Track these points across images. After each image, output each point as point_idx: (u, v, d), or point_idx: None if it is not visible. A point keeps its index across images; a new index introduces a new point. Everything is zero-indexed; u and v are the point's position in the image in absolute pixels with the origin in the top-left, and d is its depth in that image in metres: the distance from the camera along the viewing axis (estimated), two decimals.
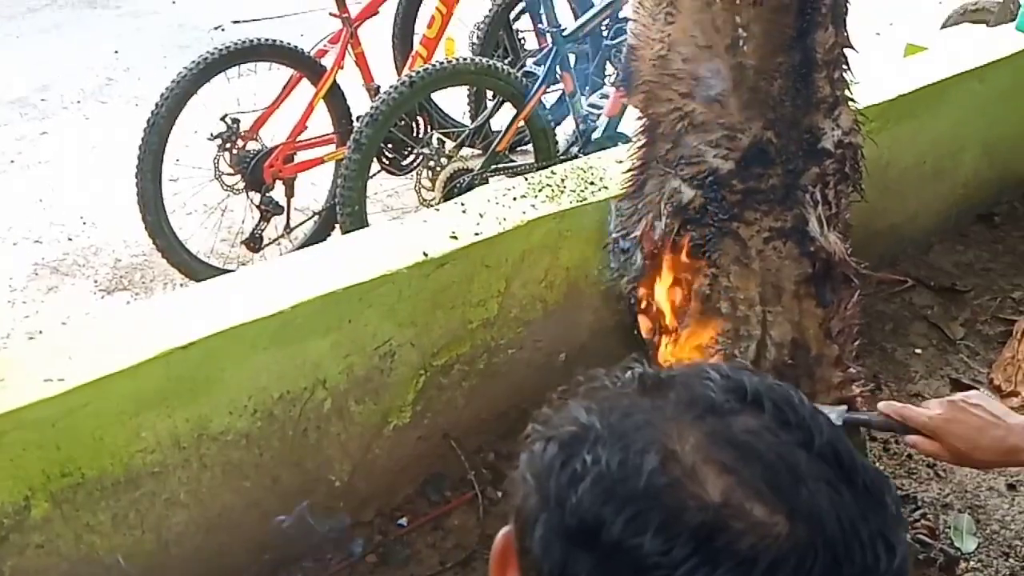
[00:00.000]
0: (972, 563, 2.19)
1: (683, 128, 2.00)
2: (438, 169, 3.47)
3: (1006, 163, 3.62)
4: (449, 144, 3.58)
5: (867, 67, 3.44)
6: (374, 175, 3.58)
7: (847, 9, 1.98)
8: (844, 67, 2.01)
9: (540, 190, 2.37)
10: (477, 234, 2.16)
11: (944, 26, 4.72)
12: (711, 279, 2.05)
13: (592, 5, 3.95)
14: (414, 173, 3.57)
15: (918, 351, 2.92)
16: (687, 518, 0.68)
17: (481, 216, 2.23)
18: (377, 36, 4.12)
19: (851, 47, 2.00)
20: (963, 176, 3.45)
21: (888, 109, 2.96)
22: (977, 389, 2.75)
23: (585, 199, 2.36)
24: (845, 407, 1.76)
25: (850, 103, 2.02)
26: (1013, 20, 3.80)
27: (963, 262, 3.36)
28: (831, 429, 0.75)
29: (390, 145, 3.60)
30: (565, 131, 3.99)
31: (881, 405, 1.64)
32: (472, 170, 3.43)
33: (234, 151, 3.47)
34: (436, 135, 3.58)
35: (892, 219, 3.25)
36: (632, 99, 2.10)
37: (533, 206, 2.30)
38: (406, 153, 3.63)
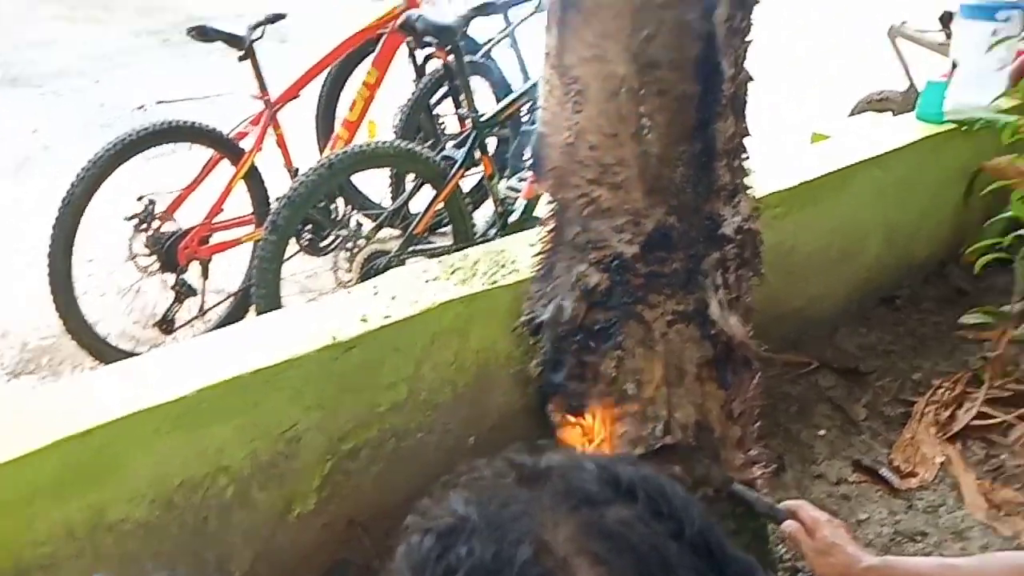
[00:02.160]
0: None
1: (590, 213, 2.04)
2: (356, 251, 3.48)
3: (907, 248, 3.75)
4: (367, 226, 3.60)
5: (774, 155, 3.57)
6: (292, 256, 3.58)
7: (747, 101, 2.06)
8: (743, 156, 2.08)
9: (452, 272, 2.40)
10: (387, 317, 2.17)
11: (851, 114, 4.91)
12: (617, 361, 2.08)
13: (511, 91, 4.04)
14: (332, 255, 3.58)
15: (822, 432, 2.98)
16: None
17: (392, 299, 2.24)
18: (301, 118, 4.16)
19: (750, 136, 2.07)
20: (866, 260, 3.56)
21: (793, 195, 3.06)
22: (878, 471, 2.82)
23: (496, 282, 2.39)
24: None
25: (749, 191, 2.09)
26: (915, 109, 3.98)
27: (866, 344, 3.45)
28: (703, 519, 0.77)
29: (308, 226, 3.61)
30: (485, 214, 4.04)
31: (788, 502, 1.81)
32: (390, 252, 3.45)
33: (149, 232, 3.45)
34: (355, 217, 3.61)
35: (797, 303, 3.34)
36: (542, 184, 2.15)
37: (444, 289, 2.32)
38: (324, 235, 3.65)
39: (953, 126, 3.62)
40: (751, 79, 2.04)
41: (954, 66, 3.89)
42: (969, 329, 3.48)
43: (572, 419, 2.23)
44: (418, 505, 0.80)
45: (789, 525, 1.74)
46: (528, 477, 0.78)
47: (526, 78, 4.16)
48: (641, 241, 2.01)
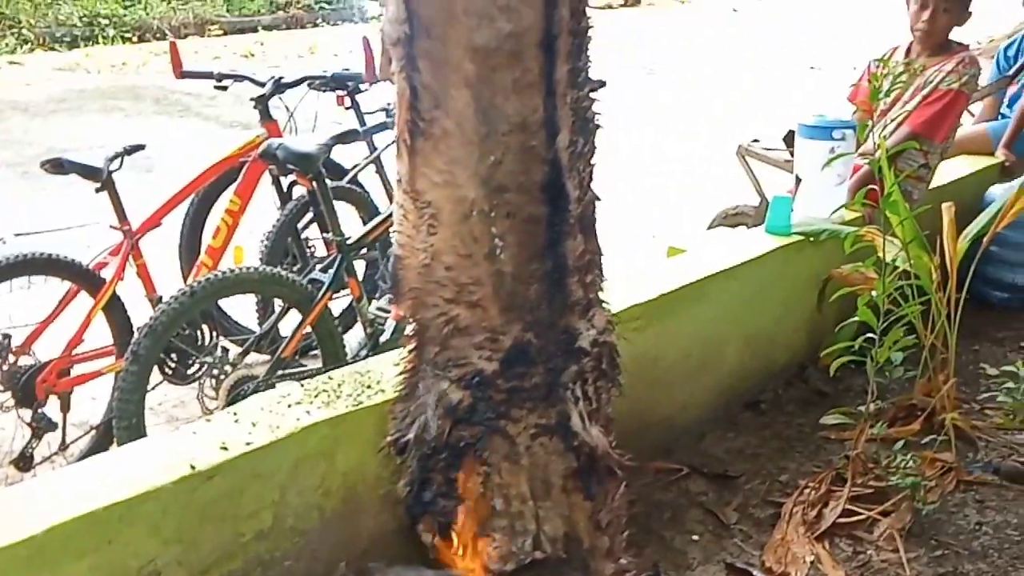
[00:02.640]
0: None
1: (449, 332, 2.08)
2: (222, 377, 3.43)
3: (767, 354, 3.89)
4: (234, 351, 3.56)
5: (632, 270, 3.68)
6: (157, 386, 3.51)
7: (595, 220, 2.15)
8: (596, 272, 2.16)
9: (316, 395, 2.38)
10: (248, 443, 2.14)
11: (709, 228, 5.12)
12: (484, 477, 2.10)
13: (379, 212, 4.10)
14: (198, 382, 3.52)
15: (695, 537, 3.02)
16: None
17: (254, 425, 2.21)
18: (166, 247, 4.13)
19: (601, 254, 2.15)
20: (728, 367, 3.68)
21: (652, 307, 3.16)
22: (750, 572, 2.87)
23: (361, 403, 2.38)
24: None
25: (603, 305, 2.16)
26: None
27: (734, 448, 3.54)
28: None
29: (172, 355, 3.55)
30: (357, 335, 4.04)
31: None
32: (258, 377, 3.41)
33: (4, 367, 3.34)
34: (220, 344, 3.56)
35: (664, 411, 3.42)
36: (401, 306, 2.18)
37: (308, 412, 2.31)
38: (190, 362, 3.59)
39: (801, 238, 3.81)
40: (598, 199, 2.13)
41: (798, 181, 4.12)
42: (830, 429, 3.61)
43: (442, 538, 2.23)
44: None
45: None
46: None
47: (392, 201, 4.23)
48: (500, 357, 2.06)
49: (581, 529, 2.13)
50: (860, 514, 3.13)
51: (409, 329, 2.19)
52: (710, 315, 3.46)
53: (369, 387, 2.46)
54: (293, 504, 2.27)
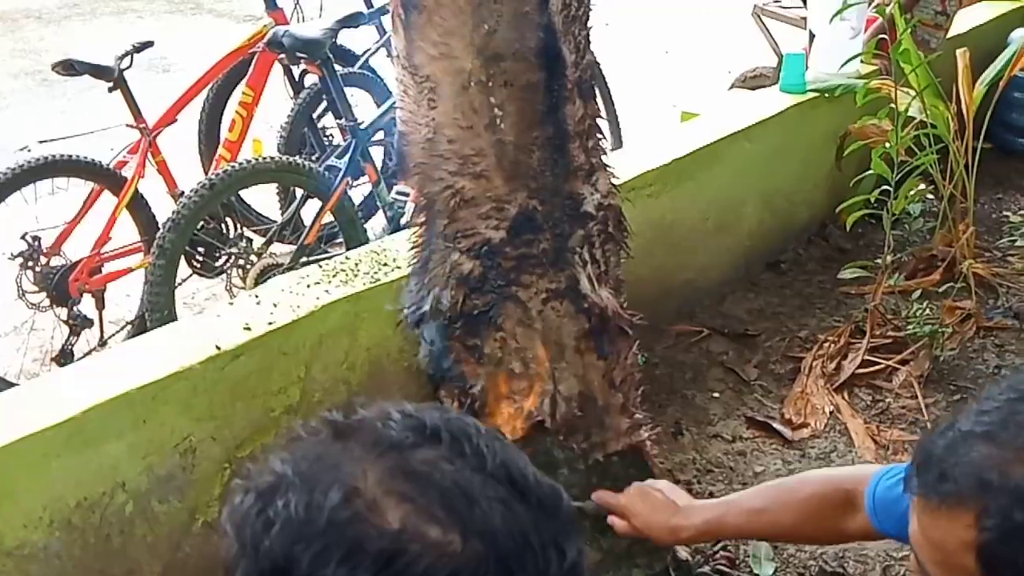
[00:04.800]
0: None
1: (456, 204, 2.11)
2: (248, 267, 3.51)
3: (787, 213, 3.90)
4: (258, 241, 3.63)
5: (645, 135, 3.68)
6: (186, 279, 3.60)
7: (593, 84, 2.15)
8: (597, 137, 2.17)
9: (334, 275, 2.45)
10: (271, 323, 2.22)
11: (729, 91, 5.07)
12: (500, 342, 2.16)
13: (390, 96, 4.10)
14: (226, 274, 3.60)
15: (716, 395, 3.10)
16: (368, 546, 0.77)
17: (275, 306, 2.29)
18: (186, 143, 4.17)
19: (601, 117, 2.17)
20: (747, 228, 3.70)
21: (666, 172, 3.18)
22: (770, 424, 2.94)
23: (379, 280, 2.45)
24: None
25: (606, 169, 2.18)
26: None
27: (755, 308, 3.59)
28: (505, 452, 0.85)
29: (199, 248, 3.63)
30: (381, 222, 4.09)
31: (594, 495, 1.99)
32: (283, 265, 3.48)
33: (37, 268, 3.43)
34: (244, 234, 3.63)
35: (685, 274, 3.46)
36: (407, 182, 2.21)
37: (327, 291, 2.38)
38: (216, 255, 3.66)
39: (816, 95, 3.78)
40: (596, 63, 2.14)
41: (812, 37, 4.06)
42: (851, 284, 3.65)
43: (463, 403, 2.31)
44: (242, 469, 0.87)
45: (612, 519, 1.91)
46: (340, 432, 0.85)
47: None
48: (507, 226, 2.09)
49: (595, 387, 2.19)
50: (879, 364, 3.19)
51: (417, 204, 2.23)
52: (726, 177, 3.46)
53: (385, 264, 2.53)
54: (320, 379, 2.36)
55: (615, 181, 2.21)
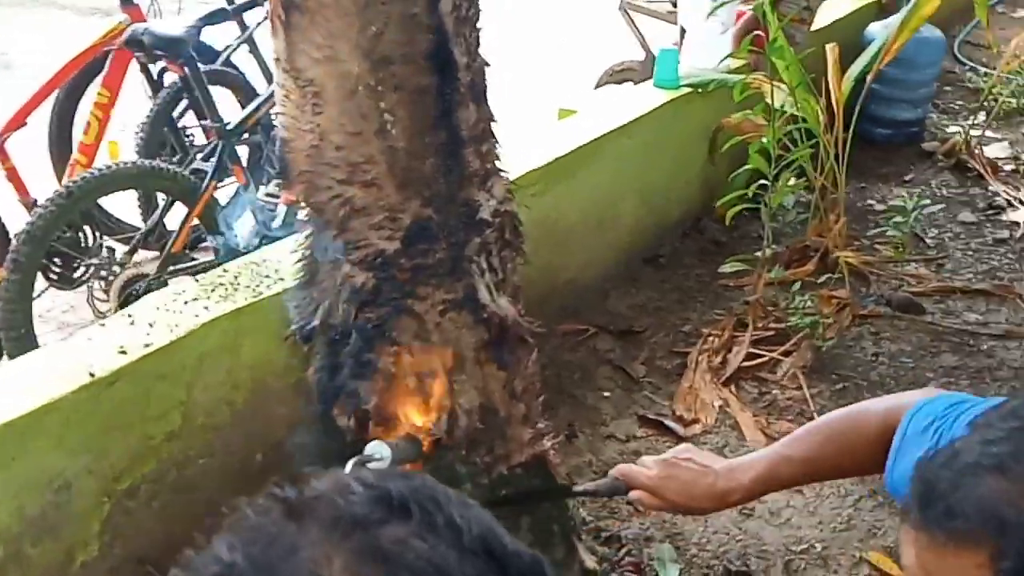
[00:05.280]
0: None
1: (346, 214, 2.01)
2: (111, 278, 3.31)
3: (663, 209, 3.92)
4: (120, 251, 3.43)
5: (525, 135, 3.63)
6: (42, 293, 3.37)
7: (486, 87, 2.08)
8: (492, 140, 2.10)
9: (212, 290, 2.31)
10: (148, 345, 2.08)
11: (596, 87, 5.07)
12: (396, 357, 2.07)
13: (257, 94, 3.94)
14: (86, 286, 3.39)
15: (606, 394, 3.08)
16: None
17: (151, 325, 2.14)
18: (35, 146, 3.92)
19: (495, 121, 2.10)
20: (626, 225, 3.70)
21: (549, 171, 3.14)
22: (663, 422, 2.94)
23: (261, 294, 2.33)
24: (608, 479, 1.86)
25: (501, 174, 2.11)
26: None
27: (637, 304, 3.59)
28: (481, 521, 0.76)
29: (56, 260, 3.40)
30: (248, 224, 3.92)
31: (612, 471, 1.82)
32: (148, 275, 3.30)
33: None
34: (105, 244, 3.43)
35: (568, 273, 3.43)
36: (292, 191, 2.10)
37: (206, 308, 2.24)
38: (75, 266, 3.45)
39: (690, 90, 3.80)
40: (488, 65, 2.06)
41: (683, 33, 4.09)
42: (729, 277, 3.69)
43: (358, 420, 2.21)
44: (181, 558, 0.76)
45: (633, 496, 1.76)
46: (294, 510, 0.74)
47: (271, 82, 4.06)
48: (401, 236, 2.00)
49: (497, 399, 2.13)
50: (763, 356, 3.23)
51: (304, 214, 2.12)
52: (606, 174, 3.45)
53: (267, 276, 2.40)
54: (201, 401, 2.23)
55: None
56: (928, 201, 4.11)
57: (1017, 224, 4.22)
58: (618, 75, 5.08)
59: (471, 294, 2.07)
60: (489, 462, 2.13)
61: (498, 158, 2.14)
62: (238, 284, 2.34)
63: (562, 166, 3.18)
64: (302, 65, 1.94)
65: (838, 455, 1.64)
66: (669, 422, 2.94)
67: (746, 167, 3.43)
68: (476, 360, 2.10)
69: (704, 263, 3.86)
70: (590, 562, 2.24)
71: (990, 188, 4.51)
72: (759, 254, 3.45)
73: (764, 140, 3.27)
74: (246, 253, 3.56)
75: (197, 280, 2.34)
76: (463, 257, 2.06)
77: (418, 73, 1.93)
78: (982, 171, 4.61)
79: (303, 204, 2.10)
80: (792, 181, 3.56)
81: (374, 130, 1.95)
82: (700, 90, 3.79)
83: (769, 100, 3.37)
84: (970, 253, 4.01)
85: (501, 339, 2.11)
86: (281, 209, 3.76)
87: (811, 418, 2.97)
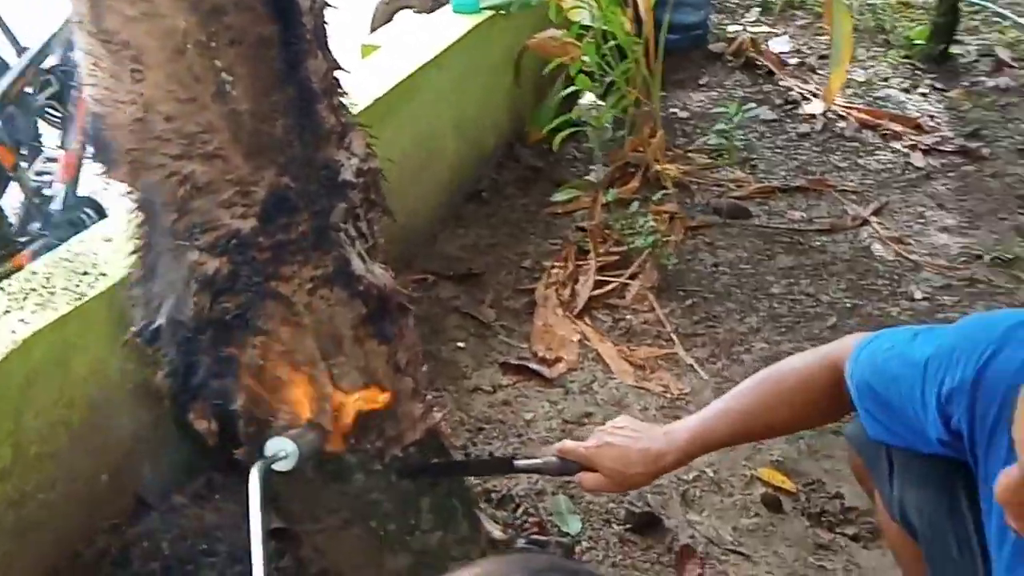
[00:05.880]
0: (584, 542, 2.21)
1: (186, 194, 1.74)
2: None
3: (477, 140, 3.76)
4: None
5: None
6: None
7: (327, 31, 1.84)
8: (341, 92, 1.87)
9: (25, 298, 1.98)
10: None
11: (374, 20, 4.79)
12: (263, 348, 1.83)
13: (8, 66, 3.47)
14: None
15: (460, 344, 2.92)
16: None
17: None
18: None
19: (342, 69, 1.86)
20: (447, 161, 3.51)
21: (372, 112, 2.90)
22: (527, 366, 2.82)
23: (84, 295, 2.02)
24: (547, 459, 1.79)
25: (360, 127, 1.89)
26: (438, 5, 3.94)
27: (468, 244, 3.43)
28: None
29: None
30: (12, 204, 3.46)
31: (557, 448, 1.74)
32: None
33: None
34: None
35: (399, 219, 3.21)
36: (115, 173, 1.79)
37: (23, 320, 1.91)
38: None
39: (491, 13, 3.62)
40: (327, 5, 1.82)
41: None
42: (556, 205, 3.58)
43: (221, 424, 1.96)
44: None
45: (578, 476, 1.69)
46: None
47: (20, 50, 3.55)
48: (257, 211, 1.75)
49: (382, 376, 1.93)
50: (610, 283, 3.15)
51: (131, 199, 1.82)
52: (424, 110, 3.25)
53: (85, 274, 2.09)
54: (34, 427, 1.92)
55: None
56: (754, 105, 4.14)
57: (814, 116, 4.32)
58: (394, 3, 4.83)
59: (343, 266, 1.85)
60: (381, 446, 1.94)
61: (349, 112, 1.91)
62: (54, 287, 2.01)
63: (382, 106, 2.96)
64: (113, 26, 1.64)
65: (777, 407, 1.57)
66: (533, 365, 2.82)
67: (569, 90, 3.31)
68: (355, 338, 1.89)
69: (527, 193, 3.73)
70: (497, 532, 2.11)
71: (781, 83, 4.59)
72: (589, 178, 3.36)
73: (586, 59, 3.15)
74: (27, 243, 3.18)
75: (3, 289, 2.00)
76: (329, 226, 1.84)
77: (257, 22, 1.67)
78: (772, 68, 4.69)
79: (131, 187, 1.81)
80: (615, 98, 3.47)
81: (211, 93, 1.68)
82: (503, 12, 3.62)
83: (576, 17, 3.25)
84: (778, 151, 4.08)
85: (381, 311, 1.91)
86: (58, 188, 3.35)
87: (669, 340, 2.94)
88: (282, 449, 1.71)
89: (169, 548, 2.04)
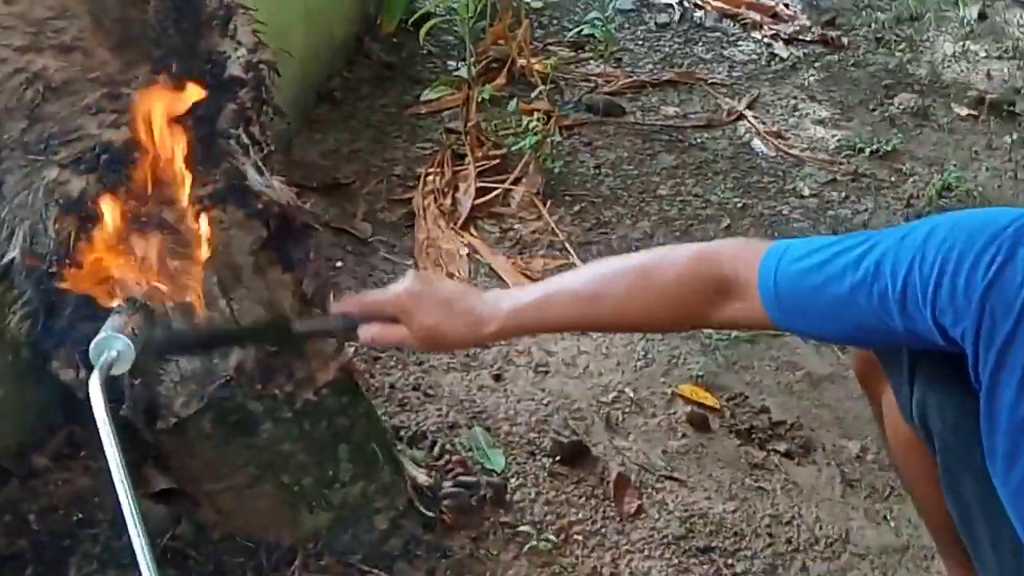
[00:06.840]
0: (513, 479, 2.01)
1: (38, 96, 1.39)
2: None
3: (326, 32, 3.41)
4: None
5: None
6: None
7: None
8: None
9: None
10: None
11: None
12: (148, 287, 1.51)
13: None
14: None
15: (339, 264, 2.62)
16: None
17: None
18: None
19: None
20: (298, 55, 3.14)
21: None
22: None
23: None
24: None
25: (246, 11, 1.57)
26: None
27: (329, 150, 3.11)
28: None
29: None
30: None
31: (336, 306, 1.52)
32: None
33: None
34: None
35: None
36: None
37: None
38: None
39: None
40: None
41: None
42: (419, 104, 3.30)
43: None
44: None
45: (365, 331, 1.43)
46: None
47: None
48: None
49: (288, 309, 1.65)
50: (493, 189, 2.91)
51: None
52: (275, 3, 2.86)
53: None
54: None
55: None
56: None
57: (671, 6, 4.14)
58: None
59: (237, 181, 1.55)
60: (291, 391, 1.67)
61: None
62: None
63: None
64: None
65: (626, 296, 1.31)
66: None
67: None
68: (256, 266, 1.61)
69: (385, 92, 3.42)
70: (422, 477, 1.87)
71: None
72: (459, 74, 3.08)
73: None
74: None
75: None
76: (217, 133, 1.53)
77: None
78: None
79: None
80: None
81: None
82: None
83: None
84: (640, 43, 3.89)
85: (285, 233, 1.62)
86: None
87: (563, 249, 2.75)
88: (108, 347, 1.32)
89: (38, 522, 1.71)
